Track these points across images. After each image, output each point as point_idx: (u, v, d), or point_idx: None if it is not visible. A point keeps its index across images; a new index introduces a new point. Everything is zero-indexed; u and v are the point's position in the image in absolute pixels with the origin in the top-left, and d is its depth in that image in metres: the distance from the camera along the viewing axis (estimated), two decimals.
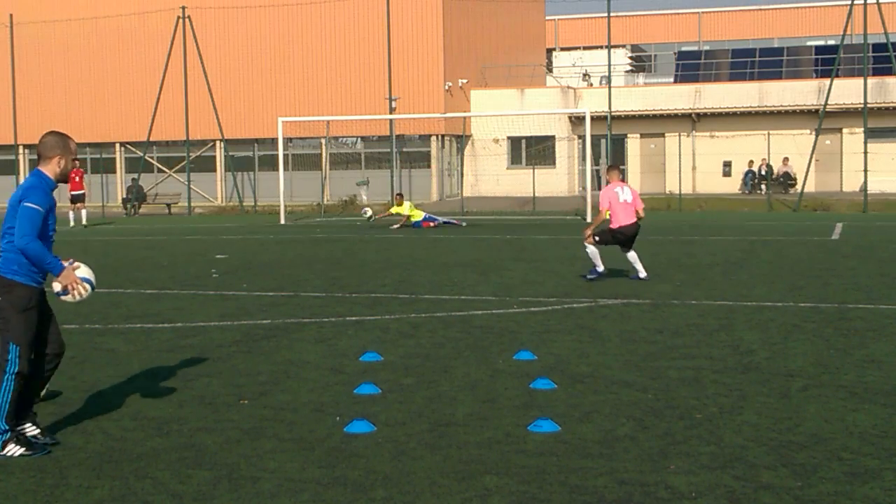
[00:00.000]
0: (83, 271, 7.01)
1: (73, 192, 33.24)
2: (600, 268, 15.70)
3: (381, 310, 13.06)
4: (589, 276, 15.76)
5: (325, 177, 42.84)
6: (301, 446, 6.88)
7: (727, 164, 46.30)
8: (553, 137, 46.43)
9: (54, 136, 7.03)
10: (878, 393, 8.13)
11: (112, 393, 8.55)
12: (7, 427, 6.76)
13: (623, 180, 16.42)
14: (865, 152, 35.91)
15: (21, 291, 6.80)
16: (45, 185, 6.89)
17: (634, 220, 15.80)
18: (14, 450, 6.74)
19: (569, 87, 48.92)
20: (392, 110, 43.01)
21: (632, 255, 15.85)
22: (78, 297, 6.97)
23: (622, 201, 15.77)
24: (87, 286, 7.03)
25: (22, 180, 41.47)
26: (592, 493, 5.86)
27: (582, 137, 41.71)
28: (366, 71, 45.06)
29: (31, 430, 6.95)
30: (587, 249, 15.81)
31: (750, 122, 45.81)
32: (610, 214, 15.84)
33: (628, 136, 47.30)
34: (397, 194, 32.10)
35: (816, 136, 37.82)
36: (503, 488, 5.95)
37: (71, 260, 7.05)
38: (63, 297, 7.01)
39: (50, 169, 6.95)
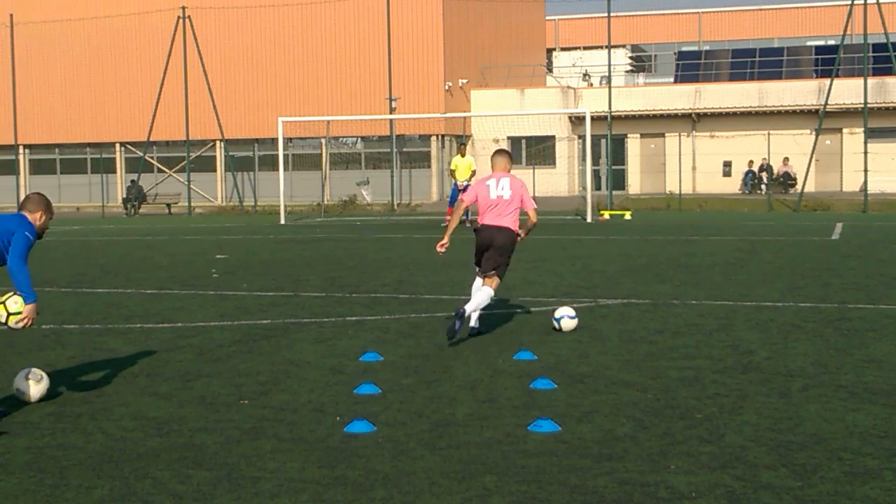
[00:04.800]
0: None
1: None
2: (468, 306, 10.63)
3: (381, 310, 13.06)
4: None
5: (325, 177, 42.85)
6: (301, 446, 6.88)
7: (727, 164, 46.32)
8: (553, 137, 46.44)
9: (39, 196, 8.01)
10: (878, 393, 8.13)
11: (112, 393, 8.55)
12: None
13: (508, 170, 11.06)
14: (865, 152, 35.91)
15: None
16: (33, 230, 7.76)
17: (503, 224, 10.76)
18: None
19: (569, 87, 48.93)
20: (392, 110, 43.02)
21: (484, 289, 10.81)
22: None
23: (494, 197, 10.77)
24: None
25: (22, 180, 41.36)
26: (592, 493, 5.86)
27: (582, 137, 41.71)
28: (366, 71, 45.07)
29: None
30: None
31: (750, 122, 45.82)
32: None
33: (628, 136, 47.30)
34: (460, 144, 30.74)
35: (816, 136, 37.83)
36: (503, 488, 5.95)
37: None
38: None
39: (32, 220, 7.80)
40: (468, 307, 10.56)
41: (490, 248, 10.90)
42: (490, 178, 10.89)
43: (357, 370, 9.30)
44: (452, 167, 29.58)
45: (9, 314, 7.70)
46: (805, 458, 6.42)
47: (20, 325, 7.59)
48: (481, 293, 10.77)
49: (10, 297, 7.68)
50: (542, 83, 53.03)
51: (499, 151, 11.23)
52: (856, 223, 28.79)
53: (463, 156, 29.22)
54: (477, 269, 11.14)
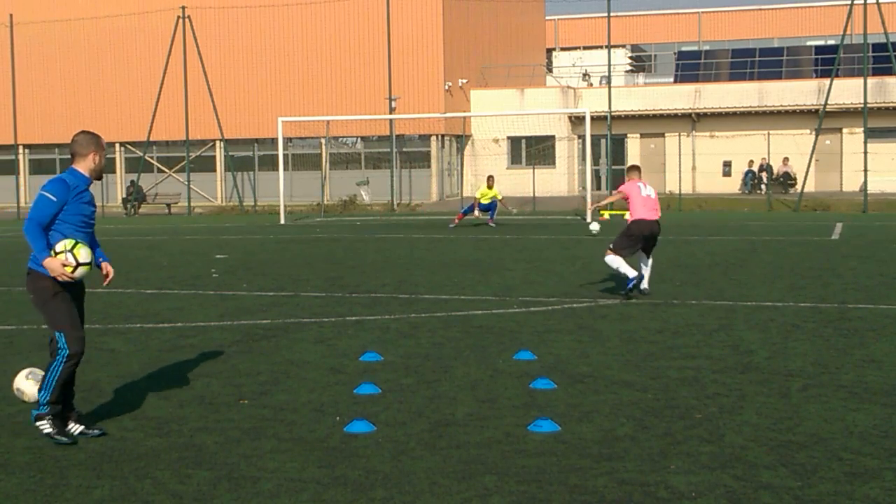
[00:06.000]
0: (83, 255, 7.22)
1: None
2: (632, 273, 13.72)
3: (381, 310, 13.06)
4: (625, 291, 13.81)
5: (325, 177, 42.85)
6: (301, 446, 6.88)
7: (727, 164, 46.31)
8: (553, 137, 46.43)
9: (85, 135, 7.35)
10: (878, 393, 8.13)
11: (112, 393, 8.55)
12: (47, 402, 7.03)
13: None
14: (865, 152, 35.90)
15: (42, 282, 7.11)
16: (73, 178, 7.18)
17: (656, 216, 14.12)
18: (45, 426, 7.02)
19: (569, 87, 48.93)
20: (392, 110, 43.01)
21: (650, 265, 14.26)
22: (66, 279, 7.17)
23: (644, 195, 14.17)
24: (73, 268, 7.18)
25: (22, 180, 41.23)
26: (592, 493, 5.86)
27: (582, 137, 41.71)
28: (366, 71, 45.07)
29: (74, 428, 7.19)
30: (608, 259, 13.92)
31: (750, 122, 45.81)
32: (629, 209, 14.23)
33: (628, 136, 47.30)
34: (489, 176, 30.77)
35: (816, 136, 37.82)
36: (503, 488, 5.95)
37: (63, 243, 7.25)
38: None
39: (84, 165, 7.25)
40: (646, 280, 14.07)
41: (651, 237, 14.07)
42: (636, 182, 14.30)
43: (357, 370, 9.30)
44: (479, 196, 29.88)
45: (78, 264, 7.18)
46: (805, 458, 6.42)
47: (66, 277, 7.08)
48: (645, 266, 14.15)
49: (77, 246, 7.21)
50: (542, 83, 53.03)
51: (635, 167, 14.86)
52: (856, 223, 28.80)
53: (490, 188, 29.65)
54: (625, 252, 13.95)
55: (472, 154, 47.10)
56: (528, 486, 5.99)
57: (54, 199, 7.06)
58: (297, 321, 12.22)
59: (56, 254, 7.09)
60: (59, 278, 7.07)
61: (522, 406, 7.88)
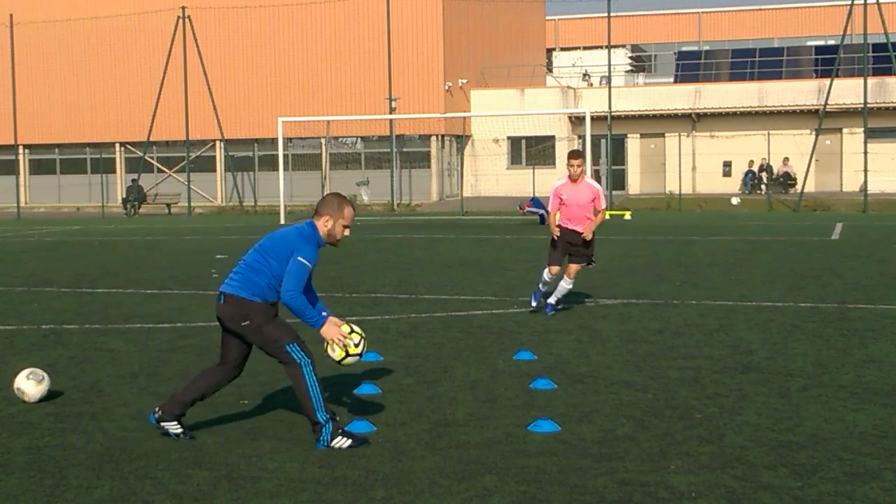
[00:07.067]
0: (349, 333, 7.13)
1: None
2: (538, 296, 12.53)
3: (381, 310, 13.06)
4: (533, 306, 12.49)
5: (325, 177, 42.85)
6: (301, 446, 6.88)
7: (727, 164, 46.31)
8: (553, 137, 46.44)
9: (333, 196, 7.10)
10: (878, 393, 8.13)
11: (112, 393, 8.55)
12: (328, 419, 6.83)
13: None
14: (865, 152, 35.91)
15: (248, 308, 7.03)
16: (318, 240, 7.03)
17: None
18: (342, 442, 6.78)
19: (569, 87, 48.93)
20: (392, 110, 43.02)
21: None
22: (340, 355, 7.05)
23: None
24: (355, 344, 7.09)
25: (22, 180, 41.20)
26: (592, 493, 5.86)
27: (582, 137, 41.71)
28: (366, 71, 45.07)
29: (174, 427, 7.04)
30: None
31: (750, 122, 45.82)
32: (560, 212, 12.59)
33: (628, 136, 47.30)
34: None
35: (816, 136, 37.82)
36: (503, 488, 5.95)
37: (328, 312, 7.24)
38: (329, 354, 7.13)
39: (319, 225, 7.03)
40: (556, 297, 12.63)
41: None
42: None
43: (357, 370, 9.29)
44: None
45: (347, 355, 7.07)
46: (805, 458, 6.42)
47: (331, 351, 7.09)
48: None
49: (350, 335, 7.12)
50: (542, 83, 53.03)
51: (582, 153, 12.87)
52: (856, 223, 28.79)
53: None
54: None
55: (472, 154, 47.11)
56: (528, 486, 5.99)
57: (310, 265, 6.95)
58: (297, 321, 12.19)
59: (350, 331, 7.09)
60: (333, 343, 7.04)
61: (522, 406, 7.88)
